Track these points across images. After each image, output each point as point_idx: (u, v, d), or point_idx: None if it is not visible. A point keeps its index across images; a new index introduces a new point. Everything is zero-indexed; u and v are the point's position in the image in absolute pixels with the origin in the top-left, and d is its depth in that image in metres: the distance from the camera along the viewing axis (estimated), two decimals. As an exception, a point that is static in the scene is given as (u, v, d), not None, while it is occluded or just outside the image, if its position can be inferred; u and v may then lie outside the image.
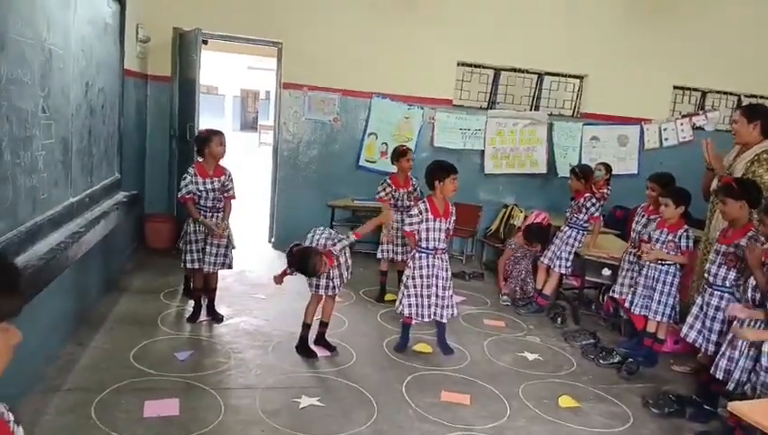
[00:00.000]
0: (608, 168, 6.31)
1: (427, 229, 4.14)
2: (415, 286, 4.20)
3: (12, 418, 1.16)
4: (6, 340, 1.03)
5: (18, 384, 3.08)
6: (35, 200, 2.92)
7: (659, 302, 4.28)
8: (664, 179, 4.79)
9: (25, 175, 2.78)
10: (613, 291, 4.84)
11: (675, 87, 7.69)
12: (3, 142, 2.50)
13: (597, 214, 5.22)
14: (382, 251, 5.32)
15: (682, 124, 7.63)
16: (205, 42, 6.28)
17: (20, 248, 2.70)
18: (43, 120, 2.98)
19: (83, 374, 3.52)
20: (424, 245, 4.17)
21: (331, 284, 4.01)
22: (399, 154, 5.30)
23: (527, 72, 7.30)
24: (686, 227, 4.29)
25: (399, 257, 5.27)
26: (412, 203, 5.21)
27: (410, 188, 5.32)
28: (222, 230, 4.39)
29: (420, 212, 4.14)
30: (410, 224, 4.18)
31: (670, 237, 4.25)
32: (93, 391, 3.31)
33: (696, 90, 7.83)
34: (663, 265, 4.29)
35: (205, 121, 6.19)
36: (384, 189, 5.29)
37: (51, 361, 3.56)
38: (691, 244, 4.25)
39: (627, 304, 4.52)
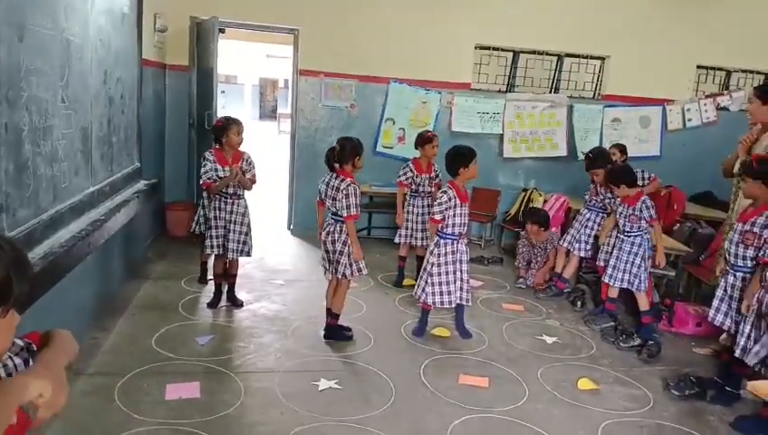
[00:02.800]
0: (622, 149, 5.94)
1: (455, 215, 4.12)
2: (440, 274, 4.17)
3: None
4: (11, 321, 1.13)
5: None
6: (56, 189, 2.97)
7: (624, 271, 4.60)
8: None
9: (46, 164, 2.83)
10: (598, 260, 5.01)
11: (698, 66, 7.52)
12: (23, 132, 2.55)
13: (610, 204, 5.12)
14: (401, 236, 5.32)
15: (706, 105, 7.47)
16: (222, 30, 6.32)
17: (42, 236, 2.76)
18: (63, 110, 3.02)
19: (107, 358, 3.61)
20: (449, 231, 4.14)
21: (340, 267, 3.99)
22: (425, 140, 5.20)
23: (546, 53, 7.21)
24: (643, 198, 4.56)
25: (419, 243, 5.27)
26: (432, 189, 5.20)
27: (432, 174, 5.28)
28: (235, 175, 4.32)
29: (450, 198, 4.10)
30: (440, 211, 4.10)
31: (630, 211, 4.54)
32: (116, 374, 3.39)
33: (720, 69, 7.65)
34: (628, 235, 4.59)
35: (223, 110, 6.25)
36: (405, 173, 5.26)
37: (76, 345, 3.64)
38: (653, 212, 4.53)
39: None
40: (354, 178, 3.93)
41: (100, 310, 4.18)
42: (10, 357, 1.18)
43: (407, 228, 5.29)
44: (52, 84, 2.87)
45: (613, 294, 4.76)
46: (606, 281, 4.71)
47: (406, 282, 5.42)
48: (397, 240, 5.36)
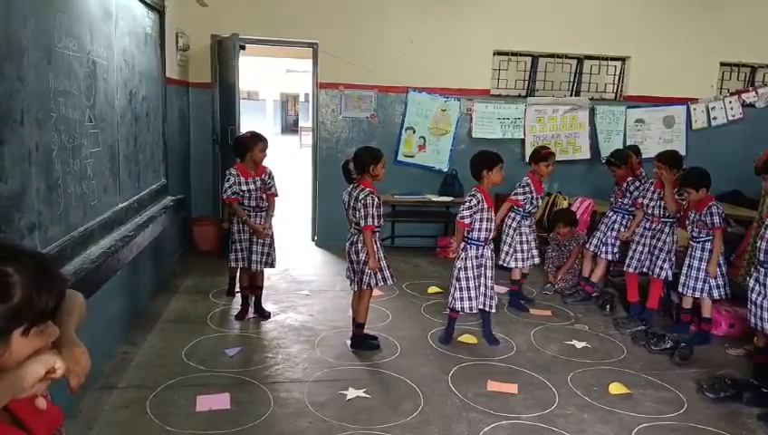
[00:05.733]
0: (635, 151, 5.73)
1: (481, 220, 4.10)
2: (467, 279, 4.15)
3: None
4: (34, 340, 1.06)
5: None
6: (86, 206, 3.05)
7: (697, 278, 4.37)
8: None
9: (76, 182, 2.90)
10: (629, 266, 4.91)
11: (722, 64, 7.40)
12: (53, 152, 2.63)
13: (640, 199, 5.04)
14: (516, 260, 5.01)
15: (731, 102, 7.35)
16: (242, 47, 6.42)
17: (73, 253, 2.83)
18: (90, 129, 3.11)
19: (138, 372, 3.66)
20: (475, 235, 4.12)
21: (365, 278, 3.98)
22: (540, 157, 4.84)
23: (566, 56, 7.17)
24: (711, 203, 4.28)
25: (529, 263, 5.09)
26: (538, 207, 5.07)
27: (542, 194, 5.06)
28: (265, 230, 4.48)
29: (479, 202, 4.08)
30: (470, 215, 4.05)
31: (698, 216, 4.33)
32: (148, 387, 3.44)
33: (744, 65, 7.52)
34: (698, 241, 4.35)
35: (246, 125, 6.34)
36: (524, 191, 4.88)
37: (107, 359, 3.71)
38: (717, 220, 4.24)
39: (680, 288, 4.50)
40: (374, 188, 3.93)
41: (131, 324, 4.26)
42: None
43: (515, 250, 4.97)
44: (80, 104, 2.95)
45: (687, 304, 4.53)
46: (680, 291, 4.47)
47: (430, 289, 5.42)
48: (513, 265, 5.03)
